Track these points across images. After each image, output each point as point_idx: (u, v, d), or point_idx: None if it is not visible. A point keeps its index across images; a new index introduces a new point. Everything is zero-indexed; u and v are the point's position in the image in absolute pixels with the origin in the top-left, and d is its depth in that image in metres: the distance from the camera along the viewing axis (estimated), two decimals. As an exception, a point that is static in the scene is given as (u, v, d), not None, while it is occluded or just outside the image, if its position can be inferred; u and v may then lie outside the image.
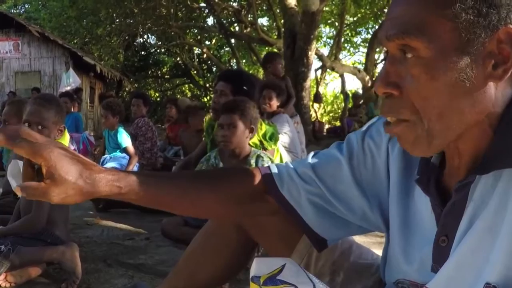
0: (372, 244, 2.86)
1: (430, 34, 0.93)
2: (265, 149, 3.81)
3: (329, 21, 22.48)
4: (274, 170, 1.38)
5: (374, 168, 1.30)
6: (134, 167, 6.36)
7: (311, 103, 15.57)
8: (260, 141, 3.83)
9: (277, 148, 4.02)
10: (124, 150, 6.15)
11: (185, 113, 7.51)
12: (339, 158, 1.33)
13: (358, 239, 1.89)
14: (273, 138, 3.94)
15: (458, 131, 0.98)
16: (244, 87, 4.05)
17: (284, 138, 5.63)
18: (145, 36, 29.65)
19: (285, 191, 1.35)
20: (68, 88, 15.81)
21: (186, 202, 1.30)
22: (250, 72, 26.41)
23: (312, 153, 1.41)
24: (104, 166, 5.89)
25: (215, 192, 1.32)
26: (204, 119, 7.22)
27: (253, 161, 3.35)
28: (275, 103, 5.80)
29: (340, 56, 22.83)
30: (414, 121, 0.98)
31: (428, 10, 0.94)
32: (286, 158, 5.27)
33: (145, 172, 1.31)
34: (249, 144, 3.48)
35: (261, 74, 25.05)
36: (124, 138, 6.16)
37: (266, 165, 3.25)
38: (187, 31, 24.90)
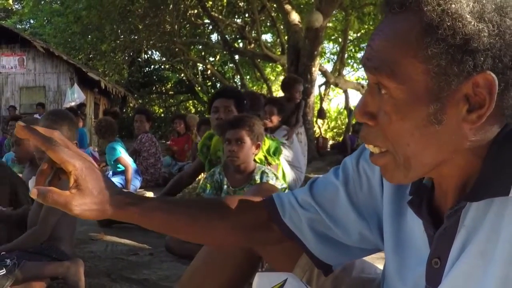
0: (376, 259, 2.85)
1: (402, 75, 0.93)
2: (269, 164, 3.83)
3: (332, 37, 22.50)
4: (277, 198, 1.40)
5: (370, 189, 1.31)
6: (137, 181, 6.41)
7: (315, 119, 15.57)
8: (265, 157, 3.84)
9: (279, 163, 4.04)
10: (116, 163, 6.29)
11: (200, 125, 7.50)
12: (335, 183, 1.35)
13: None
14: (277, 152, 3.96)
15: (433, 166, 0.99)
16: (245, 101, 4.09)
17: (286, 152, 5.64)
18: (150, 52, 29.76)
19: (287, 219, 1.36)
20: (73, 103, 15.89)
21: (197, 230, 1.33)
22: (254, 88, 26.50)
23: (311, 180, 1.43)
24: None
25: (225, 221, 1.34)
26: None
27: (258, 177, 3.36)
28: (276, 118, 5.89)
29: (344, 72, 22.80)
30: (392, 152, 0.99)
31: (402, 50, 0.93)
32: (289, 172, 5.29)
33: (159, 198, 1.34)
34: (254, 160, 3.49)
35: (264, 89, 25.12)
36: (112, 153, 6.31)
37: (270, 180, 3.31)
38: (191, 47, 24.95)
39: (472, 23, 0.88)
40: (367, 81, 1.05)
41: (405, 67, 0.92)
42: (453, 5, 0.89)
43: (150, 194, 5.54)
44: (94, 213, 1.12)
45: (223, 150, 3.88)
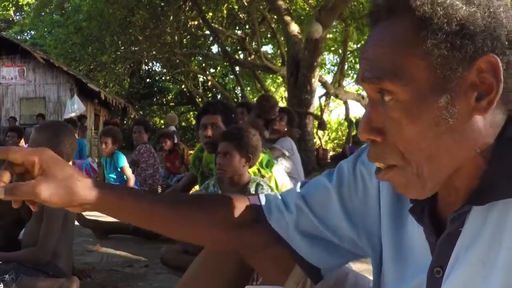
0: (370, 271, 2.82)
1: (404, 76, 0.90)
2: (263, 176, 3.81)
3: (332, 48, 22.54)
4: (263, 200, 1.36)
5: (365, 195, 1.27)
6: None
7: (315, 130, 15.56)
8: (258, 169, 3.82)
9: (271, 175, 4.03)
10: (121, 170, 6.28)
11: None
12: (328, 187, 1.31)
13: (356, 266, 1.87)
14: (269, 165, 3.94)
15: (450, 171, 0.95)
16: (233, 115, 4.07)
17: (286, 163, 5.65)
18: (150, 64, 29.88)
19: (274, 221, 1.32)
20: (73, 114, 15.90)
21: (177, 223, 1.29)
22: (254, 99, 26.53)
23: (301, 182, 1.39)
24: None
25: (210, 216, 1.30)
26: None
27: (252, 189, 3.33)
28: (284, 125, 6.16)
29: (344, 83, 22.82)
30: (403, 166, 0.95)
31: (399, 51, 0.91)
32: (288, 183, 5.27)
33: (134, 188, 1.31)
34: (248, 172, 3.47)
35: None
36: (123, 160, 6.33)
37: (266, 192, 3.27)
38: (192, 58, 25.02)
39: (464, 7, 0.88)
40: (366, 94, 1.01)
41: (406, 67, 0.90)
42: None
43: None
44: (63, 197, 1.13)
45: (215, 162, 3.87)
